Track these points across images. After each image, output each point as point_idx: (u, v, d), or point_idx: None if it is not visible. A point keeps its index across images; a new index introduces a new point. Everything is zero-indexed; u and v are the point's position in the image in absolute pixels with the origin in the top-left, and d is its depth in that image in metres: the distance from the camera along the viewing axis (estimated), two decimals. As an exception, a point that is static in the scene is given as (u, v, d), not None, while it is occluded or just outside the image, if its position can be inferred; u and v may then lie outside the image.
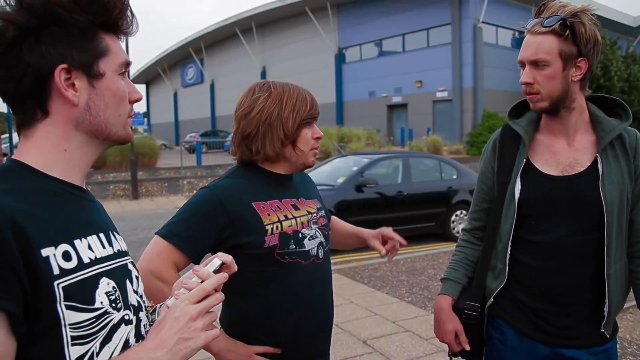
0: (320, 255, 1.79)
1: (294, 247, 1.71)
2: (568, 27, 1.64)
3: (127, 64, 1.07)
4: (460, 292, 1.96)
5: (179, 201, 15.01)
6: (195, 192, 1.83)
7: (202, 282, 0.99)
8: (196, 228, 1.65)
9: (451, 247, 8.52)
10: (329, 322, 1.85)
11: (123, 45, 1.11)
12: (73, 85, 0.98)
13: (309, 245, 1.75)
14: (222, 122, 44.40)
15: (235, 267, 1.10)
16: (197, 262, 1.63)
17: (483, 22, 27.60)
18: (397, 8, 30.52)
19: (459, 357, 2.02)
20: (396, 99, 31.45)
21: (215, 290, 0.99)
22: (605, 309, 1.74)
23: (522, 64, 1.74)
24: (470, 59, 27.68)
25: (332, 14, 33.58)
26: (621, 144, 1.76)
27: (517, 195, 1.79)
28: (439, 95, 29.22)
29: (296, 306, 1.72)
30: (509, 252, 1.82)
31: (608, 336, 1.79)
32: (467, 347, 1.96)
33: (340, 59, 34.83)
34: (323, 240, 1.82)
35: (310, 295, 1.75)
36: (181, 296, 0.98)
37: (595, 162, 1.74)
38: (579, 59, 1.68)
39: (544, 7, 1.71)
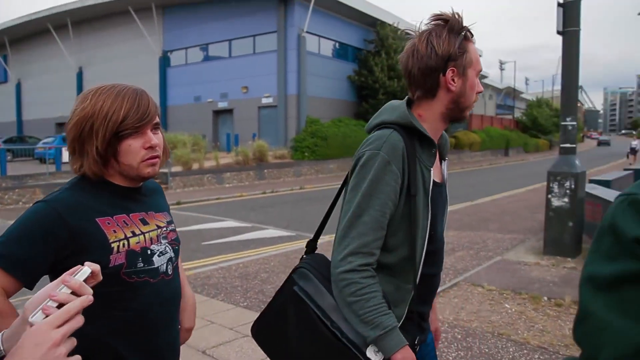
0: (170, 271, 1.69)
1: (142, 265, 1.59)
2: None
3: None
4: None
5: (-18, 214, 13.46)
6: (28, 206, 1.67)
7: (72, 292, 0.92)
8: (29, 248, 1.46)
9: (280, 250, 8.81)
10: (178, 339, 1.80)
11: None
12: None
13: (158, 262, 1.65)
14: (31, 126, 40.38)
15: (100, 277, 1.03)
16: (31, 287, 1.49)
17: (307, 32, 28.70)
18: (223, 14, 30.47)
19: None
20: (222, 104, 31.35)
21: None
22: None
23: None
24: (295, 66, 28.59)
25: (157, 15, 32.44)
26: None
27: (430, 207, 1.72)
28: (265, 101, 29.73)
29: (145, 326, 1.61)
30: (421, 267, 1.72)
31: None
32: None
33: (164, 62, 33.77)
34: (173, 255, 1.73)
35: (160, 313, 1.65)
36: (48, 311, 0.89)
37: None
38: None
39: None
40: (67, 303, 0.91)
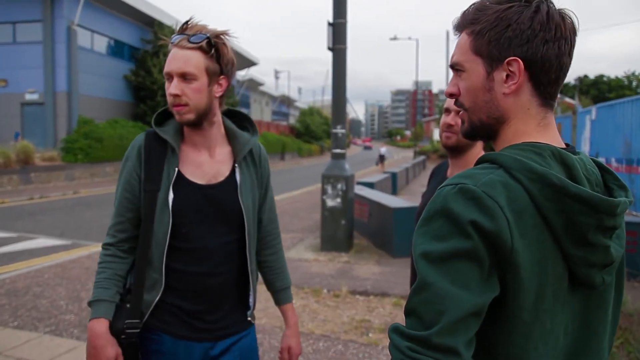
0: None
1: None
2: (212, 47, 1.78)
3: None
4: (116, 312, 1.84)
5: None
6: None
7: None
8: None
9: (55, 260, 8.16)
10: None
11: None
12: None
13: None
14: None
15: None
16: None
17: (78, 25, 26.64)
18: (-24, -6, 26.80)
19: None
20: (-26, 99, 27.55)
21: None
22: (250, 300, 2.02)
23: (170, 76, 1.78)
24: (64, 61, 26.30)
25: None
26: (251, 155, 2.02)
27: (170, 204, 1.83)
28: (29, 97, 26.82)
29: None
30: (164, 261, 1.85)
31: (253, 322, 2.07)
32: None
33: None
34: None
35: None
36: None
37: (233, 172, 1.94)
38: (221, 77, 1.84)
39: (186, 25, 1.81)
40: None
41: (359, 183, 12.36)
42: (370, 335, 5.11)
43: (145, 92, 30.73)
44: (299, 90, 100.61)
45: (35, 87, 26.57)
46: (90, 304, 1.85)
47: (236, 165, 1.95)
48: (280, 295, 2.18)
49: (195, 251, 1.87)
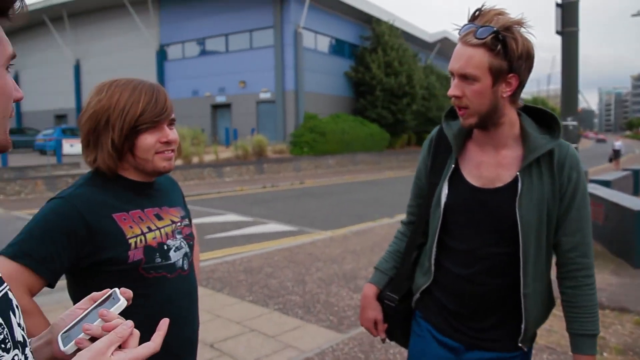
0: (186, 266, 1.69)
1: (159, 260, 1.59)
2: (500, 42, 1.54)
3: (13, 56, 0.92)
4: (386, 283, 2.03)
5: (-18, 207, 13.43)
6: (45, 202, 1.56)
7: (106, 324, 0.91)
8: (51, 245, 1.44)
9: (284, 244, 8.85)
10: (196, 334, 1.79)
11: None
12: None
13: (175, 257, 1.65)
14: (30, 118, 40.19)
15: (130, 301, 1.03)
16: (53, 285, 1.49)
17: (303, 28, 28.69)
18: (220, 8, 30.38)
19: (387, 340, 2.13)
20: (220, 99, 31.32)
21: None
22: (522, 326, 1.73)
23: (452, 74, 1.64)
24: (292, 62, 28.59)
25: (153, 8, 32.31)
26: (549, 161, 1.68)
27: (443, 199, 1.78)
28: (262, 96, 29.73)
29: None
30: (434, 253, 1.83)
31: (525, 349, 1.79)
32: (382, 336, 2.05)
33: (161, 55, 33.66)
34: (188, 250, 1.72)
35: (178, 308, 1.65)
36: (82, 345, 0.89)
37: (516, 179, 1.68)
38: (510, 75, 1.59)
39: (479, 13, 1.60)
40: (99, 337, 0.89)
41: (592, 181, 11.10)
42: (604, 354, 4.44)
43: (364, 88, 31.84)
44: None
45: (267, 86, 29.33)
46: (375, 269, 2.12)
47: (518, 172, 1.68)
48: (574, 341, 1.72)
49: (460, 253, 1.78)
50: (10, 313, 0.87)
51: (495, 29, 1.53)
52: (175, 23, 32.45)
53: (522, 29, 1.58)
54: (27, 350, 0.92)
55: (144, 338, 1.54)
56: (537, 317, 1.75)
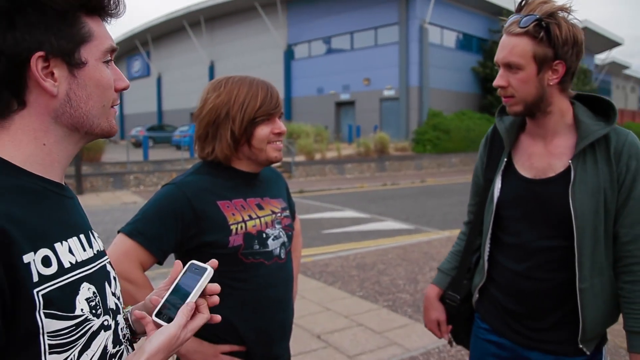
0: (283, 255, 1.78)
1: (257, 247, 1.69)
2: (543, 29, 1.53)
3: (113, 50, 0.98)
4: (448, 283, 2.02)
5: (125, 197, 14.71)
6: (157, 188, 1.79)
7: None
8: (162, 226, 1.60)
9: (399, 242, 8.79)
10: (290, 320, 1.86)
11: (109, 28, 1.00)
12: (52, 74, 0.88)
13: (273, 245, 1.74)
14: (169, 116, 43.59)
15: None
16: (162, 262, 1.62)
17: (429, 23, 28.19)
18: (345, 6, 30.76)
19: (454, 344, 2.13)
20: (344, 97, 31.74)
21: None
22: (580, 324, 1.64)
23: (498, 66, 1.67)
24: (417, 58, 28.22)
25: (282, 10, 33.52)
26: (605, 148, 1.61)
27: (496, 194, 1.77)
28: (386, 93, 29.65)
29: (260, 306, 1.71)
30: (487, 250, 1.82)
31: (588, 353, 1.68)
32: (447, 338, 2.04)
33: (289, 55, 34.81)
34: (286, 240, 1.81)
35: (274, 295, 1.74)
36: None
37: (569, 168, 1.62)
38: (556, 62, 1.56)
39: (524, 3, 1.60)
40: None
41: None
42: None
43: (491, 84, 30.60)
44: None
45: (391, 83, 29.22)
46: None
47: (570, 160, 1.62)
48: (630, 340, 1.61)
49: (513, 247, 1.75)
50: (106, 283, 0.99)
51: (537, 16, 1.53)
52: (302, 23, 33.38)
53: (569, 15, 1.56)
54: (120, 318, 1.04)
55: (242, 318, 1.67)
56: (597, 315, 1.64)
